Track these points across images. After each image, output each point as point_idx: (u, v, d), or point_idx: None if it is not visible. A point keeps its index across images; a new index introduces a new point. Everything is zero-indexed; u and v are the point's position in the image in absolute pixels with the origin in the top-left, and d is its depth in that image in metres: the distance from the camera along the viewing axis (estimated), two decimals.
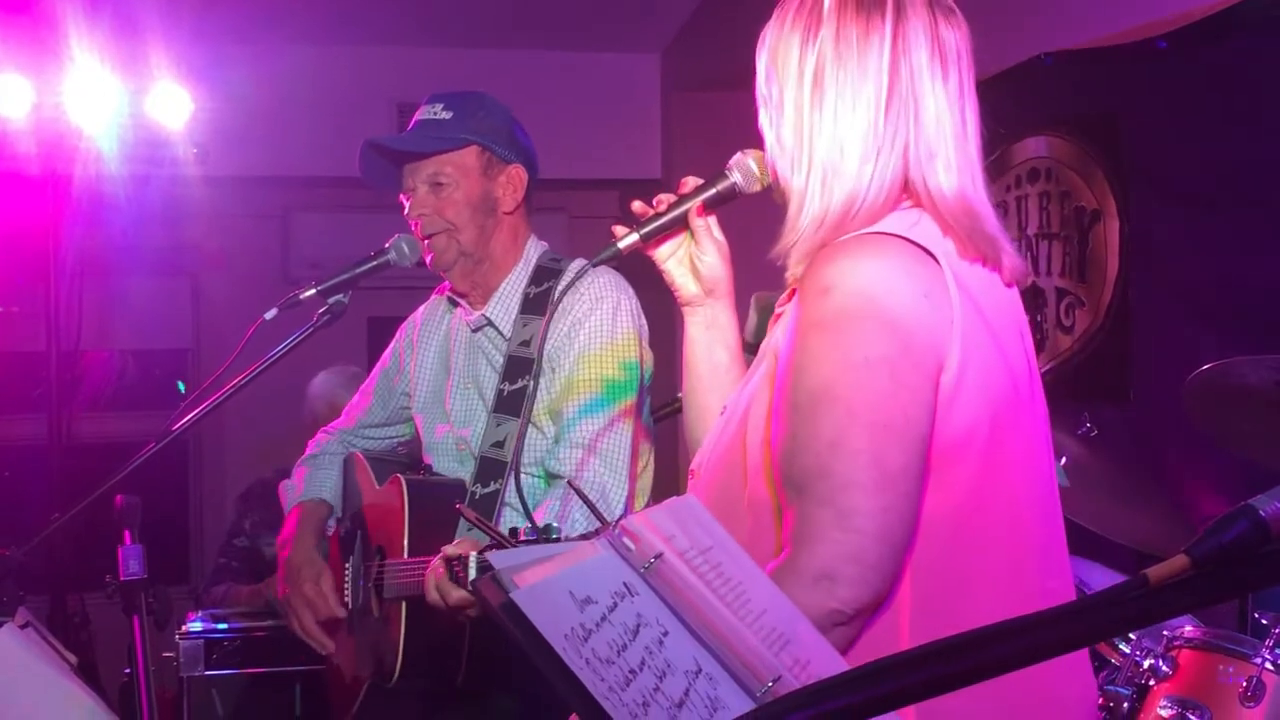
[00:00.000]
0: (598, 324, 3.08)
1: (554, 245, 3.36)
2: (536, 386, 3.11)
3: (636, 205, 2.21)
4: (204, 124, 5.67)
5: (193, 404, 3.04)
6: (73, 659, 2.88)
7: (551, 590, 1.29)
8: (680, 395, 4.38)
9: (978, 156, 1.93)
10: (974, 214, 1.88)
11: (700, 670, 1.35)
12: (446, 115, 3.19)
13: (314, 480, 3.49)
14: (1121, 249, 4.22)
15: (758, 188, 2.09)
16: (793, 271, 1.94)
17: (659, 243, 2.20)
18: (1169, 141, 4.06)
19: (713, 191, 2.14)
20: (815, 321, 1.79)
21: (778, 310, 1.99)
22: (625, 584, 1.36)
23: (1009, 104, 4.32)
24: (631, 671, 1.29)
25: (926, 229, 1.85)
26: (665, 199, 2.17)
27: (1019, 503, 1.84)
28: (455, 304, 3.32)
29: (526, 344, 3.16)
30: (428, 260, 3.22)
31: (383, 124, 6.77)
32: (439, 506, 3.02)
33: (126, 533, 2.85)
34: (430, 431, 3.34)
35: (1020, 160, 4.65)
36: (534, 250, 3.27)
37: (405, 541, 3.09)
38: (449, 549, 2.75)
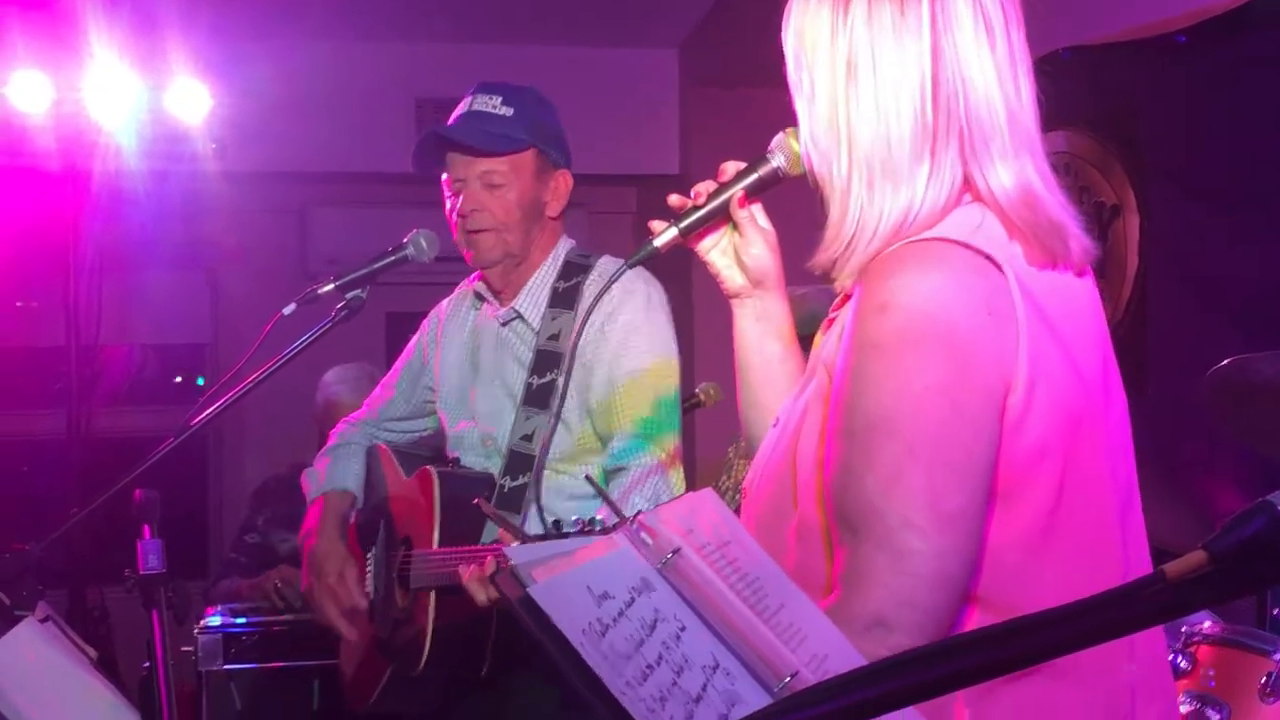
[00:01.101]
0: (631, 317, 3.10)
1: (573, 239, 3.36)
2: (567, 383, 3.13)
3: (673, 199, 2.02)
4: (222, 119, 5.68)
5: (211, 399, 3.05)
6: (92, 653, 2.89)
7: (569, 585, 1.29)
8: (697, 392, 4.38)
9: (1035, 125, 1.75)
10: (1036, 204, 1.71)
11: (718, 665, 1.35)
12: (507, 111, 3.19)
13: (337, 471, 3.49)
14: (1140, 244, 4.21)
15: (800, 171, 1.86)
16: (842, 282, 1.78)
17: (700, 237, 2.02)
18: (1188, 136, 4.05)
19: (754, 177, 1.95)
20: (872, 342, 1.64)
21: (830, 315, 1.84)
22: (643, 579, 1.36)
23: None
24: (649, 666, 1.29)
25: (990, 231, 1.70)
26: (704, 188, 1.98)
27: (1099, 515, 1.71)
28: (482, 298, 3.33)
29: (555, 338, 3.16)
30: (467, 255, 3.22)
31: (401, 119, 6.77)
32: (469, 498, 3.04)
33: (146, 527, 2.86)
34: (453, 427, 3.35)
35: None
36: (563, 246, 3.29)
37: (436, 533, 3.10)
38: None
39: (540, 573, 1.29)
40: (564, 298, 3.20)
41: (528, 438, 3.15)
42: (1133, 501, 1.80)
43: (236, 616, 4.52)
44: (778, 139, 1.93)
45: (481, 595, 2.79)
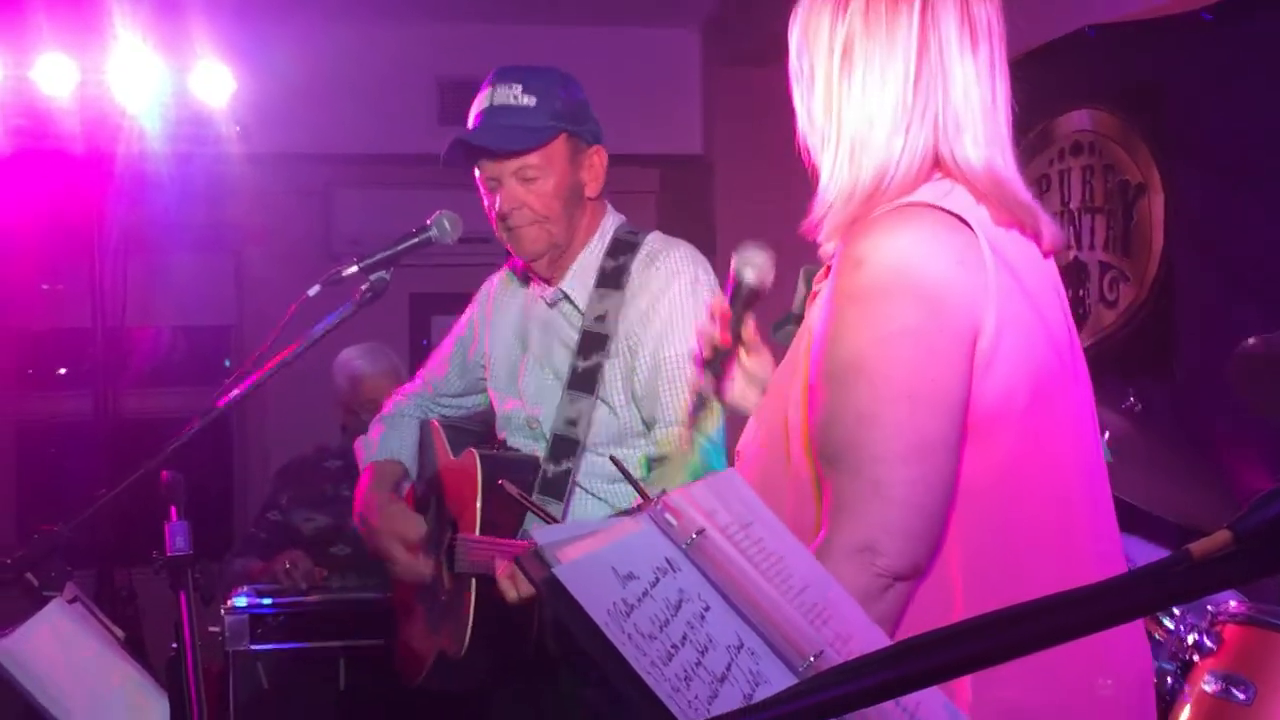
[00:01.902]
0: (677, 299, 3.08)
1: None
2: (612, 364, 3.11)
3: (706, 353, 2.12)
4: (246, 102, 5.69)
5: (236, 381, 3.06)
6: (120, 633, 2.91)
7: (594, 565, 1.29)
8: None
9: (1007, 131, 1.93)
10: (1003, 185, 1.88)
11: (742, 645, 1.36)
12: (529, 101, 3.13)
13: (389, 440, 3.49)
14: (1166, 222, 4.20)
15: (771, 278, 2.09)
16: (825, 248, 1.95)
17: (727, 381, 2.15)
18: (1214, 114, 4.03)
19: (742, 303, 2.11)
20: (848, 294, 1.80)
21: (815, 288, 2.00)
22: (667, 559, 1.36)
23: (1053, 77, 4.29)
24: (674, 646, 1.30)
25: (959, 198, 1.85)
26: (717, 331, 2.10)
27: (1065, 467, 1.85)
28: (529, 277, 3.31)
29: (602, 319, 3.14)
30: (511, 249, 3.21)
31: (424, 100, 6.78)
32: (512, 482, 3.03)
33: (173, 508, 2.87)
34: (502, 406, 3.34)
35: (1064, 133, 4.62)
36: (611, 223, 3.26)
37: (478, 518, 3.10)
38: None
39: (565, 553, 1.29)
40: (611, 277, 3.17)
41: (572, 422, 3.13)
42: (1099, 467, 1.93)
43: (263, 597, 4.54)
44: (736, 262, 2.11)
45: (512, 593, 2.78)
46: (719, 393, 2.12)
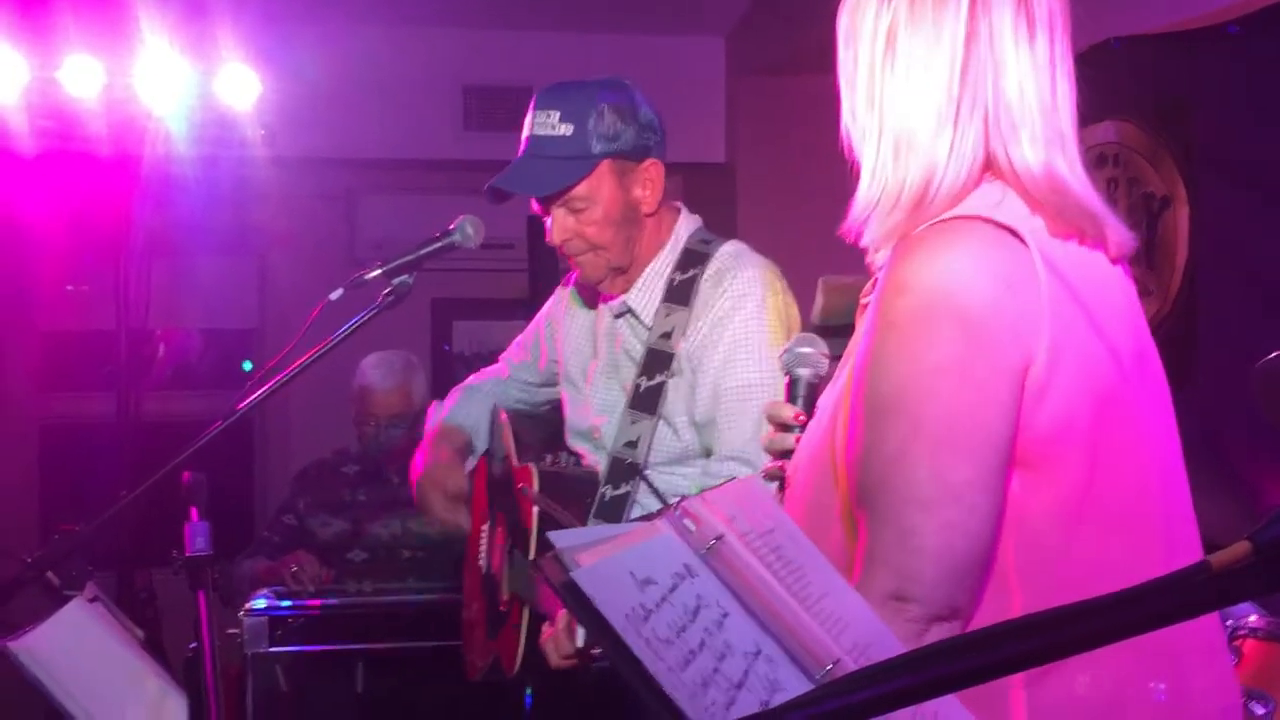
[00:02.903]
0: (743, 326, 2.97)
1: None
2: (676, 382, 3.03)
3: (768, 467, 2.02)
4: (272, 105, 5.71)
5: (258, 384, 3.07)
6: (140, 633, 2.92)
7: (612, 570, 1.30)
8: None
9: (1071, 129, 1.79)
10: (1063, 190, 1.74)
11: (760, 652, 1.36)
12: (566, 130, 3.01)
13: (460, 409, 3.45)
14: (1190, 235, 4.18)
15: (827, 367, 1.99)
16: (872, 257, 1.83)
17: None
18: (1240, 127, 4.02)
19: (803, 401, 1.99)
20: (890, 322, 1.69)
21: (863, 300, 1.88)
22: (686, 565, 1.36)
23: (1078, 89, 4.28)
24: (691, 652, 1.30)
25: (1012, 206, 1.73)
26: (787, 443, 1.98)
27: (1135, 490, 1.73)
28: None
29: (668, 336, 3.04)
30: (575, 276, 3.18)
31: (449, 106, 6.79)
32: (569, 502, 2.99)
33: (193, 509, 2.88)
34: (571, 409, 3.30)
35: (1089, 146, 4.60)
36: (685, 230, 3.15)
37: (533, 543, 3.04)
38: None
39: (584, 557, 1.29)
40: (679, 292, 3.06)
41: (632, 444, 3.05)
42: (1178, 483, 1.81)
43: (282, 600, 4.55)
44: (785, 360, 2.01)
45: (554, 659, 2.70)
46: None
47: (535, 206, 3.13)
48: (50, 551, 2.96)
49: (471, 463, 3.44)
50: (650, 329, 3.08)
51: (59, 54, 5.38)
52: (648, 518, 1.44)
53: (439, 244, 3.13)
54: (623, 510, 3.05)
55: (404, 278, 3.07)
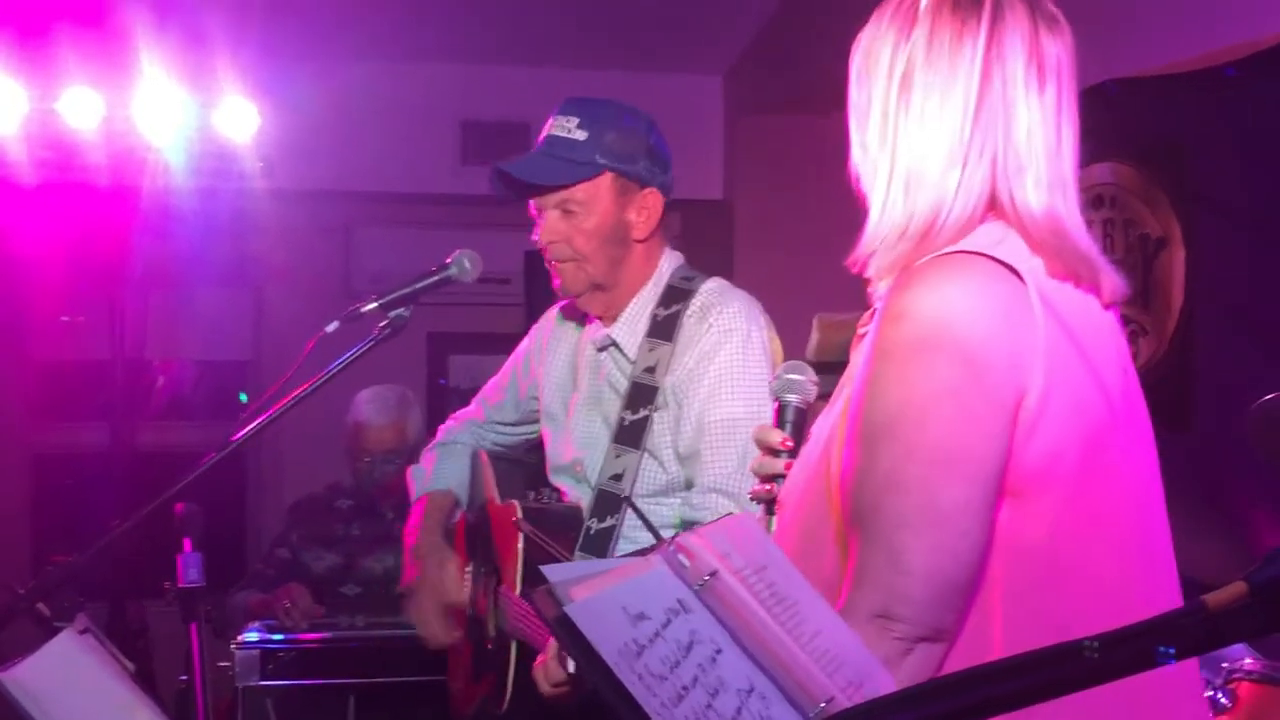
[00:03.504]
0: (727, 360, 2.98)
1: None
2: (661, 415, 3.03)
3: (756, 490, 2.07)
4: (270, 138, 5.73)
5: (253, 416, 3.06)
6: (130, 665, 2.91)
7: (605, 605, 1.29)
8: None
9: (1072, 176, 1.85)
10: (1063, 233, 1.79)
11: (753, 689, 1.35)
12: (581, 135, 3.06)
13: (443, 469, 3.45)
14: (1186, 277, 4.19)
15: (815, 394, 2.05)
16: (874, 287, 1.87)
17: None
18: (1236, 169, 4.03)
19: (791, 427, 2.04)
20: (887, 350, 1.73)
21: (859, 331, 1.92)
22: (679, 600, 1.36)
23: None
24: (684, 688, 1.29)
25: (1013, 245, 1.77)
26: (776, 467, 2.03)
27: (1118, 528, 1.77)
28: (586, 315, 3.24)
29: (651, 370, 3.05)
30: (555, 283, 3.15)
31: (447, 141, 6.81)
32: (554, 538, 2.99)
33: (186, 540, 2.87)
34: (552, 445, 3.29)
35: (1085, 187, 4.61)
36: (667, 266, 3.16)
37: (518, 578, 3.05)
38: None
39: (577, 591, 1.29)
40: (663, 327, 3.07)
41: (617, 477, 3.05)
42: (1159, 521, 1.85)
43: (274, 633, 4.53)
44: (777, 387, 2.07)
45: (545, 687, 2.65)
46: None
47: (532, 210, 3.15)
48: (42, 582, 2.95)
49: (457, 516, 3.46)
50: (634, 363, 3.09)
51: (59, 85, 5.40)
52: (641, 552, 1.43)
53: (436, 278, 3.13)
54: (609, 543, 3.04)
55: (400, 311, 3.06)
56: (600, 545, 3.04)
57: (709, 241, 7.32)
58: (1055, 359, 1.71)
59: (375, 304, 3.05)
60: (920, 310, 1.71)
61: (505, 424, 3.51)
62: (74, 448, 7.08)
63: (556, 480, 3.26)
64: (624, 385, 3.10)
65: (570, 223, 3.06)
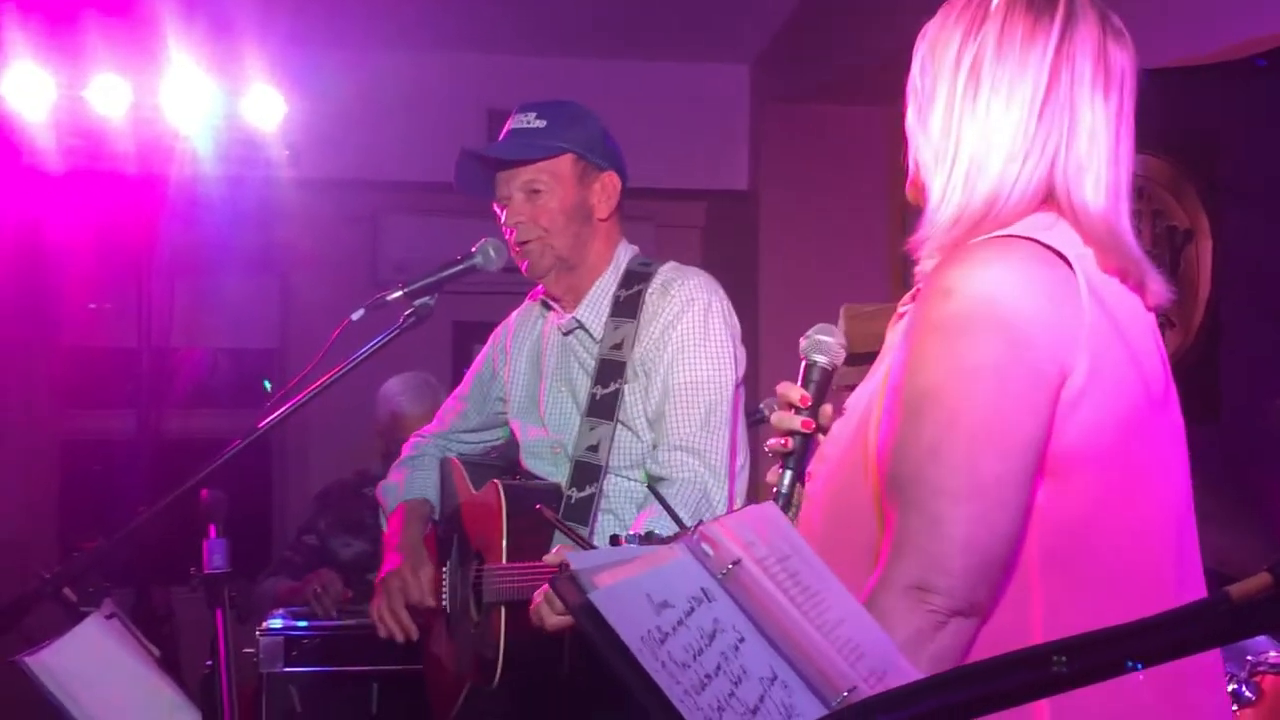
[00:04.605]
0: (689, 326, 3.10)
1: (642, 253, 3.37)
2: (631, 387, 3.14)
3: (772, 443, 2.06)
4: (297, 126, 5.73)
5: (279, 403, 3.07)
6: (156, 651, 2.92)
7: (629, 592, 1.29)
8: (761, 407, 4.37)
9: (1127, 184, 1.88)
10: (1117, 234, 1.83)
11: (775, 677, 1.35)
12: (540, 124, 3.21)
13: (415, 481, 3.51)
14: (1213, 269, 4.18)
15: (844, 356, 2.05)
16: (922, 266, 1.90)
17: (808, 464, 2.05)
18: (1265, 161, 4.01)
19: (815, 388, 2.05)
20: (933, 324, 1.76)
21: (900, 310, 1.95)
22: (703, 589, 1.36)
23: None
24: (707, 676, 1.30)
25: (1063, 233, 1.81)
26: (792, 423, 2.03)
27: (1150, 513, 1.79)
28: (549, 308, 3.34)
29: (618, 347, 3.17)
30: (523, 267, 3.24)
31: (473, 129, 6.81)
32: (536, 511, 3.04)
33: (211, 526, 2.89)
34: (525, 435, 3.36)
35: None
36: (624, 254, 3.29)
37: (504, 546, 3.11)
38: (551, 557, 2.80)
39: (601, 579, 1.29)
40: (626, 306, 3.20)
41: (594, 448, 3.15)
42: (1186, 516, 1.87)
43: (298, 620, 4.55)
44: (805, 346, 2.07)
45: (552, 619, 2.77)
46: (801, 479, 2.03)
47: (496, 208, 3.25)
48: (68, 567, 2.97)
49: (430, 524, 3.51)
50: (600, 342, 3.20)
51: (87, 73, 5.42)
52: (664, 541, 1.44)
53: (461, 266, 3.17)
54: (589, 511, 3.11)
55: (425, 299, 3.09)
56: (582, 513, 3.12)
57: (734, 232, 7.31)
58: (1099, 343, 1.73)
59: (401, 292, 3.08)
60: (968, 287, 1.74)
61: (469, 431, 3.58)
62: (101, 434, 7.11)
63: (534, 468, 3.32)
64: (592, 364, 3.20)
65: (536, 203, 3.18)
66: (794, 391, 2.06)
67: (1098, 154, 1.84)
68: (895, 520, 1.74)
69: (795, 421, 2.03)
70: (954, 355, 1.73)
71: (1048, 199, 1.83)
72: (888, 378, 1.83)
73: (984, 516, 1.70)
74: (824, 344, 2.06)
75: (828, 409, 2.05)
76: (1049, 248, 1.76)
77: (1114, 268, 1.81)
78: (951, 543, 1.69)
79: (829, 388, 2.06)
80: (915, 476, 1.72)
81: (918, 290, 1.88)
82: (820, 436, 2.04)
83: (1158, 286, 1.86)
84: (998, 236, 1.80)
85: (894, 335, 1.92)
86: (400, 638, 3.33)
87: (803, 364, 2.08)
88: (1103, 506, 1.75)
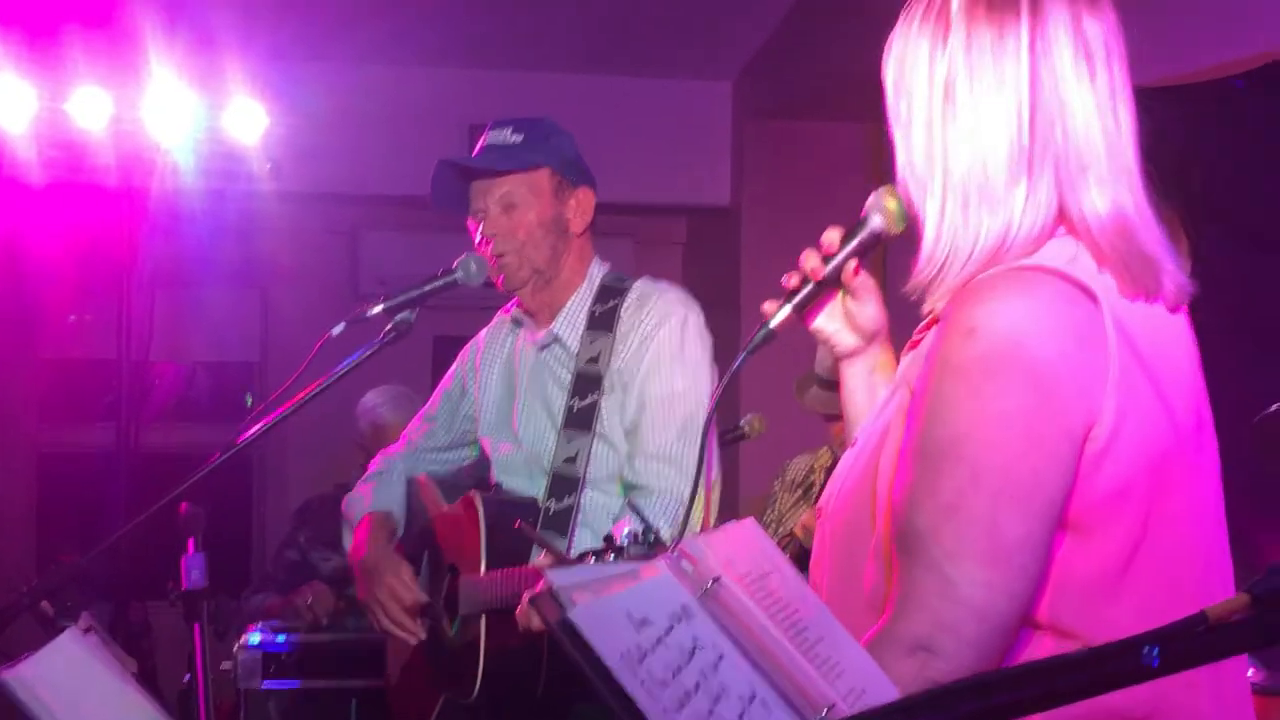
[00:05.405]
0: (666, 338, 3.15)
1: (621, 270, 3.40)
2: (608, 400, 3.17)
3: (793, 281, 1.93)
4: (278, 140, 5.73)
5: (258, 417, 3.06)
6: (133, 665, 2.91)
7: (609, 609, 1.29)
8: (742, 424, 4.37)
9: (1134, 161, 1.75)
10: (1130, 235, 1.70)
11: (755, 696, 1.35)
12: (516, 139, 3.24)
13: (380, 494, 3.51)
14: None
15: (901, 228, 1.86)
16: (933, 304, 1.76)
17: (814, 311, 1.96)
18: (1243, 181, 4.03)
19: (858, 243, 1.88)
20: (956, 366, 1.64)
21: (914, 337, 1.84)
22: (682, 606, 1.36)
23: None
24: (686, 694, 1.29)
25: (1084, 263, 1.69)
26: (812, 262, 1.90)
27: (1179, 562, 1.69)
28: (520, 324, 3.35)
29: (594, 360, 3.20)
30: (498, 281, 3.24)
31: (454, 144, 6.79)
32: (514, 522, 3.04)
33: (190, 541, 2.88)
34: (496, 451, 3.36)
35: None
36: (597, 270, 3.32)
37: (483, 558, 3.12)
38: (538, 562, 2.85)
39: (580, 596, 1.29)
40: (602, 320, 3.23)
41: (571, 460, 3.17)
42: (1220, 544, 1.77)
43: (277, 634, 4.53)
44: (872, 200, 1.89)
45: (536, 621, 2.75)
46: (802, 316, 1.91)
47: (471, 225, 3.27)
48: (46, 581, 2.95)
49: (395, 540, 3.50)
50: (576, 356, 3.23)
51: (68, 85, 5.41)
52: (644, 558, 1.44)
53: (442, 281, 3.16)
54: (568, 522, 3.14)
55: (406, 314, 3.08)
56: (560, 524, 3.14)
57: (715, 248, 7.32)
58: (1126, 386, 1.63)
59: (381, 307, 3.07)
60: (992, 327, 1.63)
61: (438, 449, 3.58)
62: (80, 447, 7.09)
63: (507, 484, 3.33)
64: (567, 378, 3.23)
65: (512, 216, 3.20)
66: (834, 232, 1.91)
67: (1094, 143, 1.72)
68: (902, 574, 1.64)
69: (810, 263, 1.89)
70: (977, 403, 1.62)
71: (1062, 214, 1.71)
72: (902, 415, 1.72)
73: (1004, 583, 1.60)
74: (886, 206, 1.87)
75: (851, 267, 1.90)
76: (1075, 282, 1.65)
77: (1133, 289, 1.70)
78: (967, 608, 1.59)
79: (865, 252, 1.89)
80: (930, 530, 1.62)
81: (932, 319, 1.77)
82: (844, 296, 1.93)
83: (1175, 282, 1.76)
84: (1022, 267, 1.68)
85: (908, 365, 1.82)
86: (414, 641, 3.32)
87: (861, 216, 1.90)
88: (1127, 562, 1.65)
